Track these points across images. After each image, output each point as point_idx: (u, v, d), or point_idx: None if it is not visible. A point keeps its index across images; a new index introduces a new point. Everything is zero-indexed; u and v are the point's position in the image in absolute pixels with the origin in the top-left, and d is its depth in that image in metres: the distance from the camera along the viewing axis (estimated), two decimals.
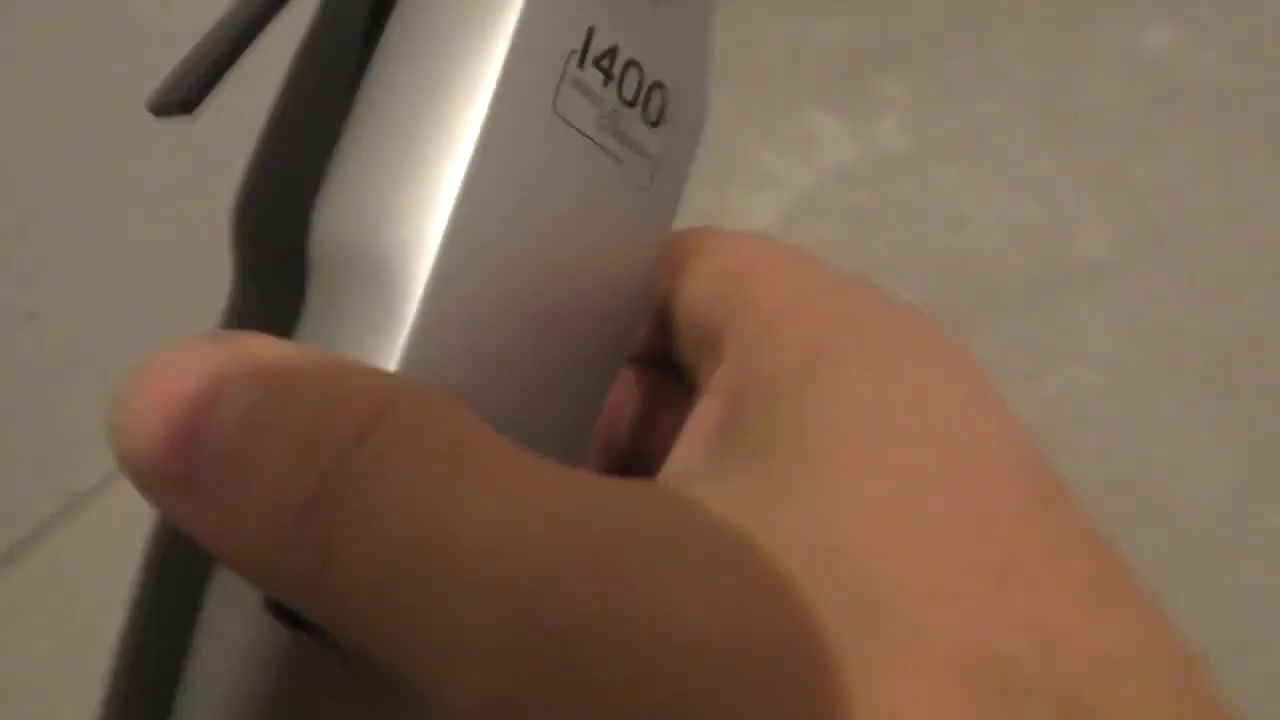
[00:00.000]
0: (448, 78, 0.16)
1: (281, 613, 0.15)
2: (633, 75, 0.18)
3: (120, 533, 0.72)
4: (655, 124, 0.18)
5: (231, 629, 0.16)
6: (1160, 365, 0.71)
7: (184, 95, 0.18)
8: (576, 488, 0.13)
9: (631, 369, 0.20)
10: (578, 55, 0.17)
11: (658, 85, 0.18)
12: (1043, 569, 0.13)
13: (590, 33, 0.17)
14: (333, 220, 0.16)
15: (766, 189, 0.84)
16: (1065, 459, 0.66)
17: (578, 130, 0.17)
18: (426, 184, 0.15)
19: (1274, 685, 0.58)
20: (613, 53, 0.17)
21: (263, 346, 0.14)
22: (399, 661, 0.12)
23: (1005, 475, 0.14)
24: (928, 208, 0.82)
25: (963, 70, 0.90)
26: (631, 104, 0.18)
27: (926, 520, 0.13)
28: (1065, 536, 0.14)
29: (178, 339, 0.13)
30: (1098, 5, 0.93)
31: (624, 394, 0.20)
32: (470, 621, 0.11)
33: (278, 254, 0.17)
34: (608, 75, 0.17)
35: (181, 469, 0.13)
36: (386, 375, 0.14)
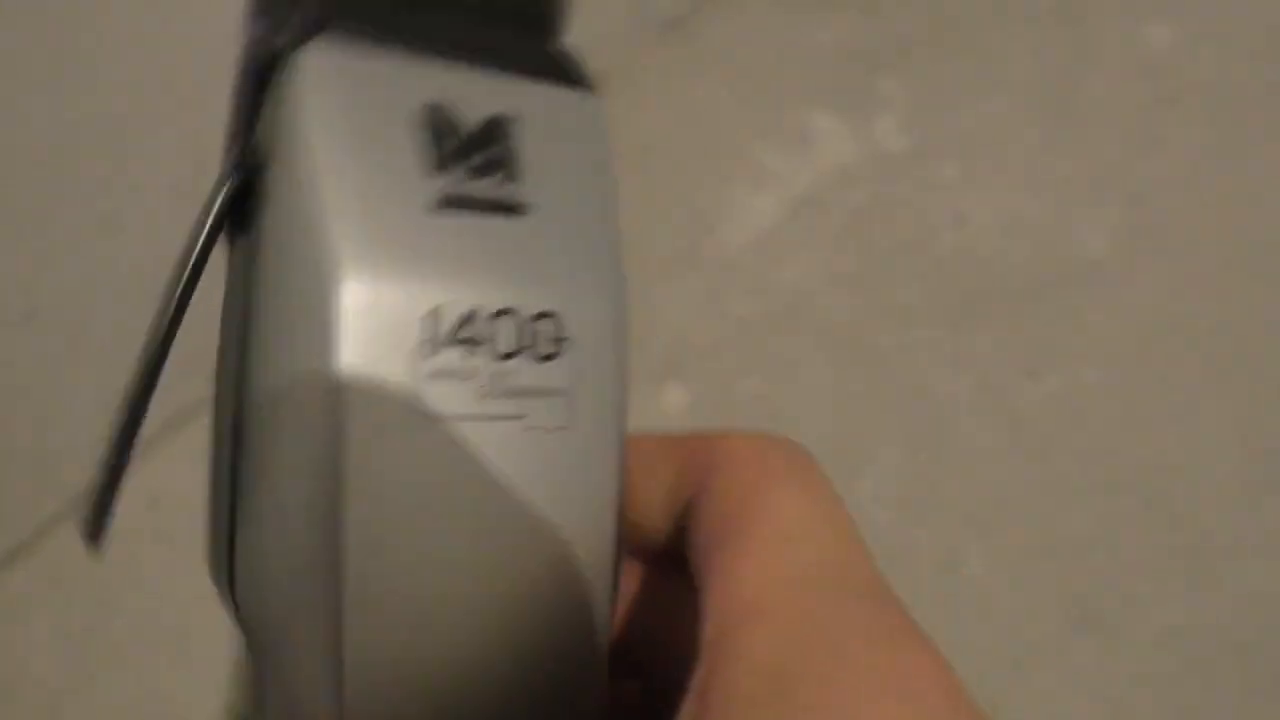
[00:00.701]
0: (296, 435, 0.15)
1: None
2: (506, 324, 0.16)
3: (120, 532, 0.72)
4: (552, 355, 0.17)
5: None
6: (1160, 363, 0.71)
7: (90, 531, 0.18)
8: None
9: (642, 563, 0.21)
10: (426, 344, 0.16)
11: (543, 315, 0.17)
12: None
13: (435, 313, 0.16)
14: (241, 591, 0.16)
15: (767, 188, 0.84)
16: (1065, 457, 0.66)
17: (454, 418, 0.16)
18: (307, 548, 0.15)
19: (1277, 684, 0.59)
20: (471, 317, 0.16)
21: None
22: None
23: None
24: (927, 206, 0.82)
25: (962, 69, 0.90)
26: (513, 353, 0.16)
27: None
28: None
29: None
30: (1097, 4, 0.93)
31: (636, 584, 0.21)
32: None
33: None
34: (472, 342, 0.16)
35: None
36: None
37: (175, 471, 0.74)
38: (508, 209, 0.17)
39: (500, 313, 0.16)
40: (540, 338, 0.16)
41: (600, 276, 0.17)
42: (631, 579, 0.21)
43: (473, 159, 0.17)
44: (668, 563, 0.20)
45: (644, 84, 0.89)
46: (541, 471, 0.16)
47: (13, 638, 0.68)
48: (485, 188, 0.16)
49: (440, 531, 0.16)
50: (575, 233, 0.17)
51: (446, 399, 0.16)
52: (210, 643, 0.66)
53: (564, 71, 0.18)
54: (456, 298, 0.16)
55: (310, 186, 0.15)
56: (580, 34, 0.24)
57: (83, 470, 0.77)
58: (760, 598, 0.16)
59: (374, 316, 0.15)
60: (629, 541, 0.19)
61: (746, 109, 0.90)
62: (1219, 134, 0.83)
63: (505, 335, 0.16)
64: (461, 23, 0.18)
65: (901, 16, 0.95)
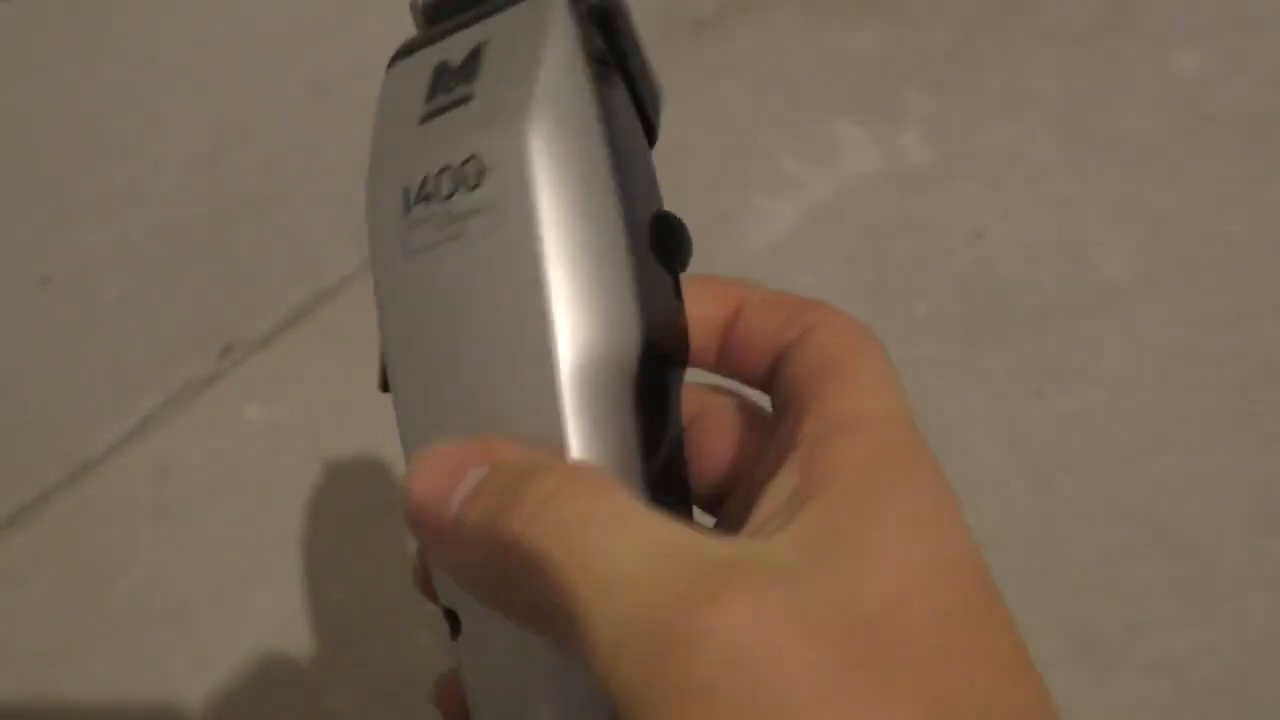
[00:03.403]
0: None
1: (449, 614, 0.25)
2: (445, 178, 0.23)
3: (123, 502, 0.73)
4: (477, 184, 0.23)
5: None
6: (1172, 391, 0.71)
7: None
8: (684, 542, 0.20)
9: (733, 397, 0.28)
10: (404, 209, 0.24)
11: (468, 159, 0.23)
12: (989, 647, 0.20)
13: (405, 191, 0.24)
14: None
15: (787, 194, 0.84)
16: (1071, 480, 0.66)
17: (425, 251, 0.23)
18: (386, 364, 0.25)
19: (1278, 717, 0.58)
20: (425, 182, 0.23)
21: (494, 444, 0.22)
22: (552, 628, 0.20)
23: (973, 582, 0.21)
24: (946, 221, 0.82)
25: (989, 85, 0.90)
26: (452, 193, 0.23)
27: (926, 609, 0.20)
28: (999, 624, 0.21)
29: (447, 442, 0.23)
30: (1129, 29, 0.92)
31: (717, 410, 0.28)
32: (594, 621, 0.19)
33: None
34: (427, 198, 0.23)
35: (437, 517, 0.22)
36: (571, 462, 0.22)
37: (184, 444, 0.74)
38: (462, 102, 0.24)
39: (442, 170, 0.23)
40: (468, 175, 0.23)
41: (511, 116, 0.23)
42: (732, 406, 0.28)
43: (451, 83, 0.24)
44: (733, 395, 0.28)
45: (669, 83, 0.88)
46: (479, 264, 0.23)
47: (9, 602, 0.68)
48: (451, 96, 0.24)
49: (424, 306, 0.24)
50: (500, 97, 0.23)
51: (421, 238, 0.23)
52: (208, 617, 0.66)
53: None
54: (414, 174, 0.24)
55: (372, 143, 0.25)
56: None
57: (90, 439, 0.77)
58: (861, 417, 0.22)
59: (381, 202, 0.24)
60: (737, 368, 0.27)
61: (771, 113, 0.89)
62: (1243, 164, 0.82)
63: (445, 184, 0.23)
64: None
65: (931, 29, 0.95)
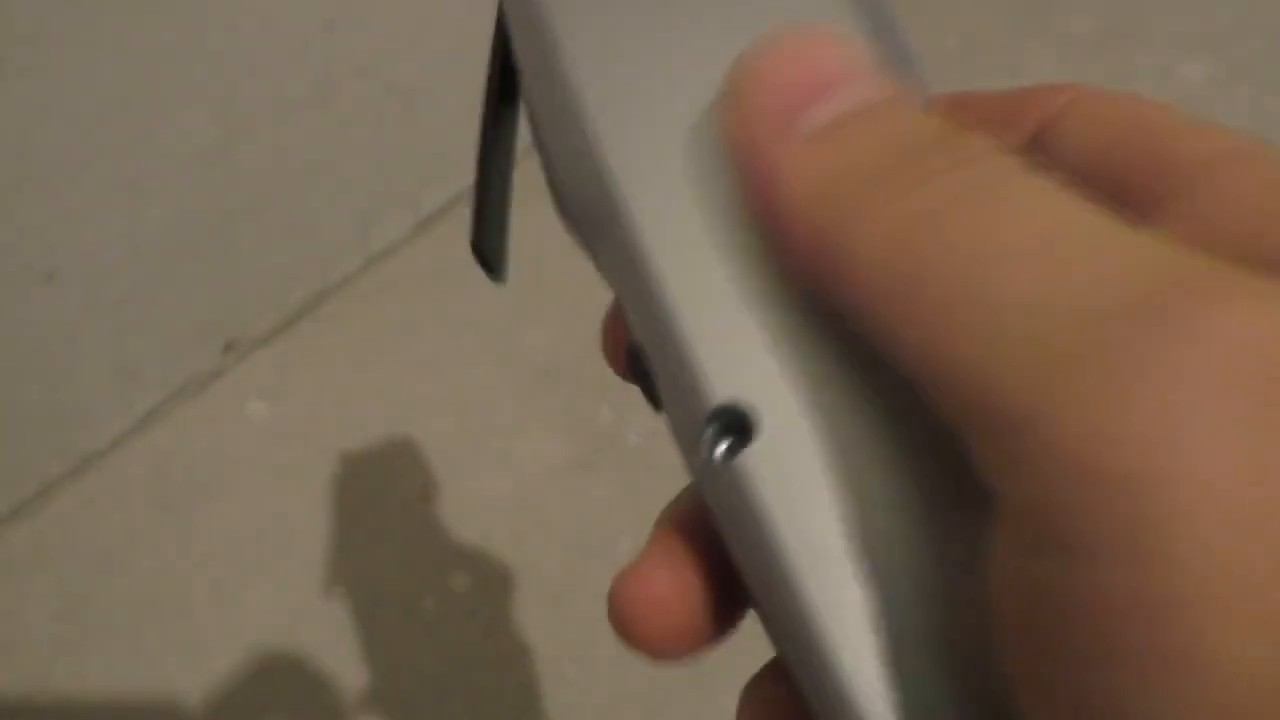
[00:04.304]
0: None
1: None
2: None
3: (124, 497, 0.73)
4: None
5: None
6: None
7: (490, 266, 0.20)
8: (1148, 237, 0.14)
9: None
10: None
11: None
12: None
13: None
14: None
15: None
16: None
17: None
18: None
19: None
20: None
21: (879, 74, 0.16)
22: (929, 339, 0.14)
23: None
24: None
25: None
26: None
27: None
28: None
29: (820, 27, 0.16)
30: (1135, 35, 0.92)
31: None
32: (1007, 319, 0.13)
33: None
34: None
35: (783, 124, 0.15)
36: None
37: (186, 440, 0.74)
38: None
39: None
40: None
41: None
42: None
43: None
44: None
45: None
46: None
47: (10, 596, 0.68)
48: None
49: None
50: None
51: None
52: (208, 613, 0.66)
53: None
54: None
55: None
56: None
57: (93, 432, 0.77)
58: (1234, 150, 0.16)
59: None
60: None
61: None
62: None
63: None
64: None
65: (934, 32, 0.94)
